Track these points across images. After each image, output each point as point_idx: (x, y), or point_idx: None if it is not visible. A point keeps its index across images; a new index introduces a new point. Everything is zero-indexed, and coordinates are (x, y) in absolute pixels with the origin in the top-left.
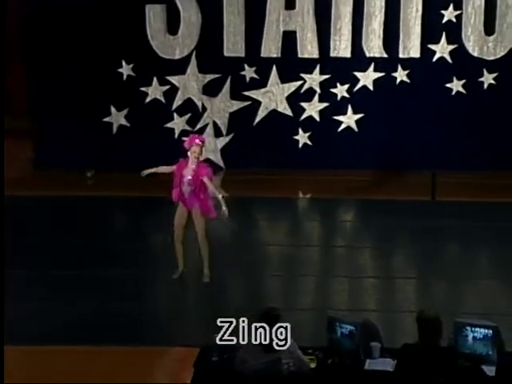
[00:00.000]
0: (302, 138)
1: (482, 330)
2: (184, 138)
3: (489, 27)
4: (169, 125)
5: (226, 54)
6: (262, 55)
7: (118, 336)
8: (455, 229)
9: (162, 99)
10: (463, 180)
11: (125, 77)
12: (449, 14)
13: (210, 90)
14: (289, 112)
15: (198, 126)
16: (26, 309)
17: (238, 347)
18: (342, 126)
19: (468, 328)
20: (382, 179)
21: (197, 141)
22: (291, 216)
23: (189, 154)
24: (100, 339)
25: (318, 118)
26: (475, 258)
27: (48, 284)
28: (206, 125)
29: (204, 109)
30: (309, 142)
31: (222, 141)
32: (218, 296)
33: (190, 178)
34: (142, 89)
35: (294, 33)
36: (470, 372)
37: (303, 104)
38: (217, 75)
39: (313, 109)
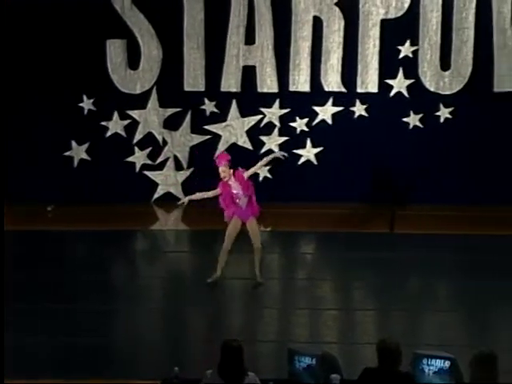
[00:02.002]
0: (262, 171)
1: (440, 362)
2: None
3: (445, 63)
4: (130, 159)
5: (186, 88)
6: (221, 89)
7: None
8: (414, 261)
9: (123, 133)
10: (421, 213)
11: (85, 111)
12: (405, 50)
13: (171, 124)
14: (249, 146)
15: (159, 160)
16: None
17: (199, 380)
18: (302, 160)
19: (426, 359)
20: (340, 212)
21: (223, 162)
22: (252, 249)
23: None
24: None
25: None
26: (433, 290)
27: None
28: (167, 159)
29: (165, 143)
30: (269, 176)
31: (183, 174)
32: (181, 329)
33: (241, 191)
34: (103, 123)
35: (253, 67)
36: None
37: (263, 138)
38: (177, 109)
39: (272, 142)
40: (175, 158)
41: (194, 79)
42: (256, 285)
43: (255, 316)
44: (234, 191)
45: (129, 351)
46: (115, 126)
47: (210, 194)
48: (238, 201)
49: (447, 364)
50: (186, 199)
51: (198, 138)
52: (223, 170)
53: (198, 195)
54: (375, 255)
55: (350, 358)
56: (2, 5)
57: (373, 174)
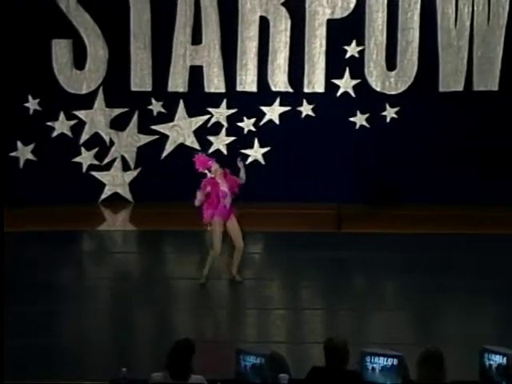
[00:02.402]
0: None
1: (387, 360)
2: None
3: (390, 63)
4: (76, 159)
5: (133, 88)
6: (169, 90)
7: None
8: (361, 260)
9: (69, 134)
10: (367, 211)
11: (31, 111)
12: (352, 50)
13: (118, 124)
14: (196, 146)
15: (106, 161)
16: None
17: (146, 380)
18: (249, 160)
19: (373, 357)
20: (288, 212)
21: (210, 163)
22: (200, 249)
23: (211, 174)
24: None
25: (225, 152)
26: (381, 289)
27: None
28: (114, 159)
29: (112, 143)
30: None
31: (130, 175)
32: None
33: (226, 189)
34: (49, 123)
35: (200, 67)
36: None
37: (210, 138)
38: (124, 109)
39: (220, 142)
40: (122, 158)
41: (140, 79)
42: (235, 280)
43: (204, 316)
44: (221, 188)
45: (76, 352)
46: (61, 126)
47: (199, 199)
48: (223, 199)
49: (394, 362)
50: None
51: (145, 139)
52: (216, 169)
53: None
54: (323, 254)
55: (298, 358)
56: (2, 5)
57: (319, 173)
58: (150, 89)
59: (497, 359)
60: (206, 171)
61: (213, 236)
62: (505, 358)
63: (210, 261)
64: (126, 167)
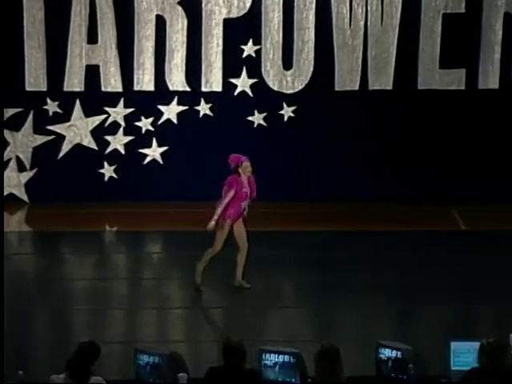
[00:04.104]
0: (108, 171)
1: (285, 357)
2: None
3: (287, 62)
4: None
5: (27, 88)
6: (64, 89)
7: None
8: (259, 258)
9: None
10: (265, 210)
11: None
12: (248, 49)
13: (13, 124)
14: (94, 146)
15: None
16: None
17: (45, 383)
18: (148, 159)
19: (271, 355)
20: (186, 211)
21: (242, 158)
22: (98, 249)
23: (240, 170)
24: None
25: (123, 152)
26: (279, 288)
27: None
28: (10, 159)
29: (7, 143)
30: (114, 175)
31: (26, 175)
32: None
33: (248, 192)
34: None
35: (97, 67)
36: None
37: (108, 137)
38: (19, 109)
39: (118, 142)
40: (18, 158)
41: (35, 79)
42: (243, 287)
43: (102, 317)
44: (244, 189)
45: None
46: None
47: (228, 199)
48: (242, 201)
49: (291, 359)
50: (212, 223)
51: (40, 139)
52: (248, 166)
53: (219, 210)
54: (221, 253)
55: (197, 357)
56: (2, 5)
57: (218, 172)
58: (45, 88)
59: (388, 353)
60: (234, 166)
61: (219, 235)
62: (397, 352)
63: (205, 260)
64: (21, 168)
